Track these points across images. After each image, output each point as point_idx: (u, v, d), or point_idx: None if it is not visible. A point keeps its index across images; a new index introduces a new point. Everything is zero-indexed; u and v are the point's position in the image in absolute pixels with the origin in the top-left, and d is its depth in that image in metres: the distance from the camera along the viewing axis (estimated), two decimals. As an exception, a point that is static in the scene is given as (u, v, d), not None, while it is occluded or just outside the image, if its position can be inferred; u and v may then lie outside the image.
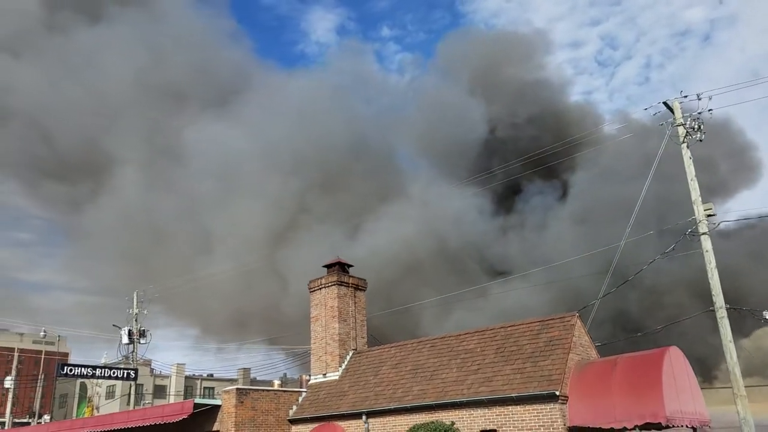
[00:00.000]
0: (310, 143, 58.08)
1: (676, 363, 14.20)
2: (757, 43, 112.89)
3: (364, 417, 17.69)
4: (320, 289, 21.59)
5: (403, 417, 16.66)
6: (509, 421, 14.52)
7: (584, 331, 16.20)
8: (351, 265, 22.34)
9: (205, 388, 58.53)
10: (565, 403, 14.01)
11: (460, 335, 18.07)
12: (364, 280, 22.37)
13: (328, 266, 22.10)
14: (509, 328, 16.67)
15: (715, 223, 17.41)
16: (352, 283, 21.75)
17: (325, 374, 20.73)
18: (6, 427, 49.43)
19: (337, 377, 20.28)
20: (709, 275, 16.69)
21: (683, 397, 13.92)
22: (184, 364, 56.65)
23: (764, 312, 17.12)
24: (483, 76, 70.05)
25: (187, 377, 57.61)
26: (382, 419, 17.26)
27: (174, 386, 56.67)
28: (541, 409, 14.08)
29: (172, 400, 52.26)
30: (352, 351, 20.99)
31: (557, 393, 13.77)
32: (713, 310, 16.49)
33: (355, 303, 21.63)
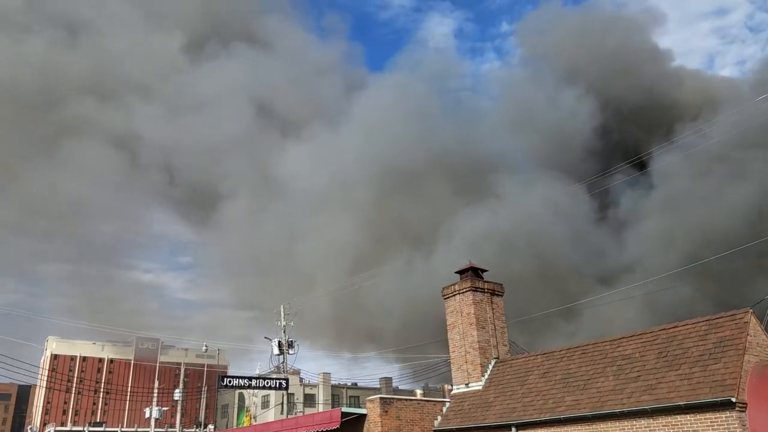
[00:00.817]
0: (416, 154, 58.55)
1: None
2: None
3: (513, 429, 17.04)
4: (454, 295, 21.27)
5: (556, 429, 15.81)
6: (678, 432, 13.17)
7: (761, 328, 14.28)
8: (485, 270, 21.75)
9: (350, 396, 60.63)
10: (744, 411, 12.43)
11: (614, 340, 16.77)
12: (501, 284, 21.62)
13: (461, 272, 21.72)
14: (671, 330, 15.15)
15: None
16: (488, 289, 21.14)
17: (467, 384, 20.35)
18: None
19: (480, 387, 19.81)
20: None
21: None
22: (329, 374, 59.16)
23: None
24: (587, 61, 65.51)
25: (333, 386, 60.09)
26: (531, 431, 16.53)
27: (322, 395, 59.41)
28: (715, 418, 12.61)
29: (320, 408, 54.73)
30: (494, 359, 20.40)
31: (734, 400, 12.27)
32: None
33: (493, 309, 21.01)
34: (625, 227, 55.18)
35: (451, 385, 21.33)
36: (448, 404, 20.66)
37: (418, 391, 24.32)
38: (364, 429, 19.75)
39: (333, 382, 59.13)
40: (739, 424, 12.22)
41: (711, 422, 12.67)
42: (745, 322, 13.68)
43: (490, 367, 20.20)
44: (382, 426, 19.00)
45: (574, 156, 59.75)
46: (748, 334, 13.43)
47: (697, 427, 12.90)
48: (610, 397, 14.90)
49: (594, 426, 14.76)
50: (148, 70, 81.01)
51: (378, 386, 56.33)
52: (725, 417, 12.44)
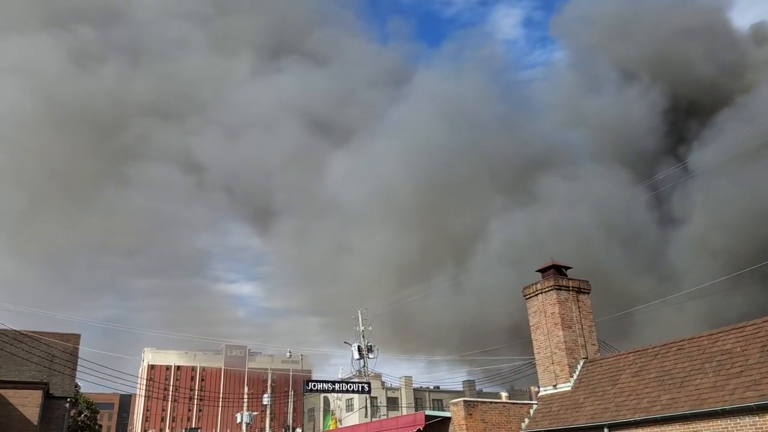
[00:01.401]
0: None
1: None
2: None
3: (606, 430, 16.61)
4: (536, 295, 20.95)
5: (651, 429, 15.28)
6: (790, 430, 12.40)
7: None
8: (569, 267, 21.26)
9: (433, 400, 60.63)
10: None
11: (712, 335, 16.02)
12: (587, 281, 21.05)
13: (543, 270, 21.36)
14: (773, 323, 14.31)
15: None
16: (573, 286, 20.66)
17: (555, 385, 19.98)
18: None
19: (569, 388, 19.41)
20: None
21: None
22: (410, 377, 59.47)
23: None
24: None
25: (415, 389, 60.35)
26: None
27: (405, 398, 59.78)
28: (831, 415, 11.77)
29: (404, 411, 55.13)
30: (583, 359, 19.91)
31: None
32: None
33: (579, 307, 20.50)
34: (676, 226, 52.02)
35: (538, 387, 21.02)
36: (535, 406, 20.37)
37: (503, 394, 24.04)
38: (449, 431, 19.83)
39: (415, 386, 59.38)
40: None
41: (826, 420, 11.85)
42: None
43: (579, 367, 19.74)
44: (467, 429, 19.01)
45: (633, 154, 56.63)
46: None
47: (810, 425, 12.11)
48: (711, 394, 14.25)
49: (693, 425, 14.16)
50: (207, 91, 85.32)
51: (461, 389, 55.96)
52: (842, 414, 11.61)
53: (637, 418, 15.72)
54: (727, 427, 13.56)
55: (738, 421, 13.41)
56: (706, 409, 14.01)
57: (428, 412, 21.26)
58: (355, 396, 54.68)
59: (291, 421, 68.09)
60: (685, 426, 14.35)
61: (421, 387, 61.08)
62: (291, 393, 64.87)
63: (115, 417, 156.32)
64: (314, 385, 37.87)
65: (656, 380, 16.27)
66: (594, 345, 20.39)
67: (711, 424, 13.85)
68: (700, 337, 16.28)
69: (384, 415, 55.64)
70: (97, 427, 58.69)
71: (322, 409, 69.36)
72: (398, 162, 63.94)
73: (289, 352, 60.40)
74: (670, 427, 14.76)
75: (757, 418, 13.04)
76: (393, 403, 60.35)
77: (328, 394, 62.03)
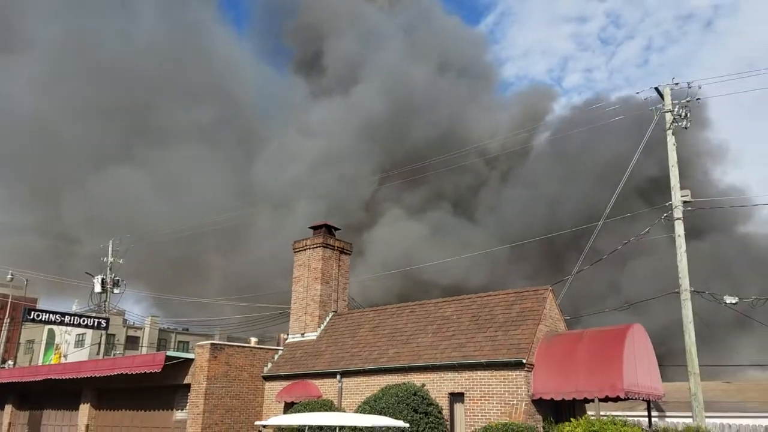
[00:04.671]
0: None
1: (638, 339, 14.94)
2: (756, 33, 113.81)
3: (338, 376, 18.24)
4: (304, 250, 21.94)
5: (376, 378, 17.22)
6: (476, 385, 15.20)
7: (555, 304, 16.95)
8: (338, 229, 22.69)
9: (179, 341, 58.90)
10: (531, 371, 14.74)
11: (438, 302, 18.70)
12: (351, 244, 22.81)
13: (315, 228, 22.43)
14: (485, 298, 17.36)
15: (691, 209, 18.11)
16: (338, 246, 22.16)
17: (303, 334, 21.29)
18: None
19: (315, 337, 20.85)
20: (678, 259, 17.45)
21: (641, 372, 14.72)
22: (158, 317, 56.81)
23: (725, 297, 18.04)
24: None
25: (161, 330, 57.81)
26: (355, 379, 17.82)
27: (147, 338, 56.96)
28: (507, 375, 14.76)
29: (144, 351, 52.63)
30: (332, 313, 21.55)
31: (524, 361, 14.48)
32: (678, 292, 17.38)
33: (339, 266, 22.10)
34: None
35: (287, 335, 22.12)
36: (280, 352, 21.43)
37: (253, 339, 24.73)
38: (190, 373, 19.71)
39: (162, 326, 56.93)
40: (524, 382, 14.53)
41: (504, 378, 14.87)
42: (543, 297, 16.19)
43: (327, 319, 21.31)
44: (208, 371, 19.08)
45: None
46: (544, 308, 15.94)
47: (491, 382, 15.04)
48: (427, 351, 16.72)
49: (409, 376, 16.48)
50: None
51: (212, 333, 55.47)
52: (515, 375, 14.67)
53: (365, 367, 17.59)
54: (433, 380, 16.05)
55: (442, 375, 15.94)
56: (421, 363, 16.37)
57: (170, 353, 20.77)
58: (89, 332, 50.38)
59: (1, 351, 60.03)
60: (403, 377, 16.59)
61: (168, 328, 58.86)
62: (7, 321, 57.12)
63: None
64: (38, 315, 33.96)
65: (388, 336, 18.47)
66: (345, 301, 22.23)
67: (423, 375, 16.24)
68: (428, 303, 18.93)
69: (120, 353, 52.43)
70: None
71: (44, 342, 62.35)
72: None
73: (11, 274, 52.68)
74: (391, 377, 16.89)
75: (456, 374, 15.66)
76: (134, 342, 57.07)
77: (54, 327, 56.04)
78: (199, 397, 19.01)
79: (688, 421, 16.61)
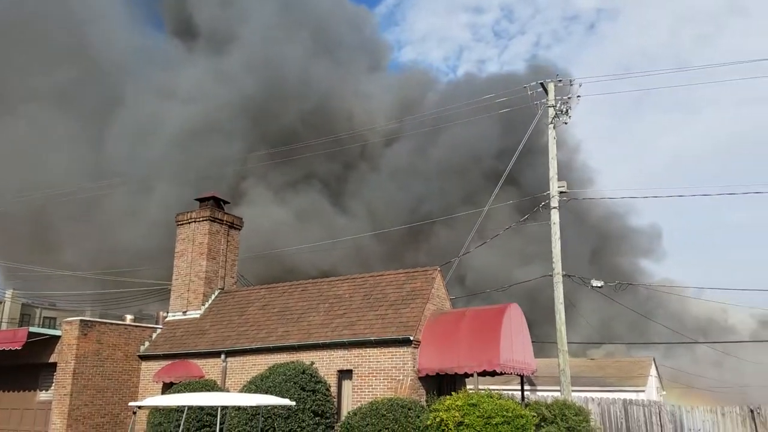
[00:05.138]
0: None
1: (514, 318, 15.94)
2: (634, 38, 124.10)
3: (222, 356, 17.69)
4: (189, 223, 20.86)
5: (264, 357, 16.90)
6: (365, 362, 15.46)
7: (443, 284, 17.57)
8: (227, 202, 21.81)
9: (45, 317, 54.11)
10: (417, 348, 15.23)
11: (332, 281, 18.65)
12: (240, 218, 21.98)
13: (202, 200, 21.39)
14: (378, 277, 17.58)
15: (566, 199, 19.49)
16: (227, 221, 21.29)
17: (185, 312, 20.33)
18: None
19: (198, 315, 20.00)
20: (553, 245, 18.78)
21: (516, 348, 15.74)
22: (19, 291, 51.58)
23: (592, 280, 19.69)
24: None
25: (25, 305, 52.69)
26: (241, 358, 17.37)
27: (8, 313, 51.70)
28: (395, 352, 15.15)
29: (3, 327, 47.79)
30: (219, 290, 20.76)
31: (411, 338, 14.92)
32: (551, 275, 18.70)
33: (228, 241, 21.26)
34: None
35: (167, 313, 21.02)
36: (159, 330, 20.35)
37: (128, 317, 23.21)
38: (56, 351, 18.27)
39: (25, 301, 51.83)
40: (411, 358, 14.98)
41: (391, 355, 15.25)
42: (432, 278, 16.70)
43: (213, 296, 20.51)
44: (77, 349, 17.83)
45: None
46: (432, 287, 16.45)
47: (380, 358, 15.38)
48: (317, 330, 16.66)
49: (299, 355, 16.33)
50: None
51: (84, 308, 51.34)
52: (403, 352, 15.08)
53: (252, 346, 17.20)
54: (323, 358, 16.08)
55: (333, 353, 16.00)
56: (311, 341, 16.29)
57: (33, 329, 19.09)
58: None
59: None
60: (292, 355, 16.40)
61: (33, 303, 53.75)
62: None
63: None
64: None
65: (278, 314, 18.14)
66: (233, 278, 21.48)
67: (313, 354, 16.16)
68: (322, 282, 18.83)
69: (-27, 331, 47.04)
70: None
71: None
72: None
73: None
74: (280, 356, 16.64)
75: (346, 352, 15.81)
76: (-11, 318, 51.46)
77: None
78: (66, 377, 17.70)
79: (557, 394, 17.99)
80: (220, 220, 20.94)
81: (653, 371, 33.31)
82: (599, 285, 20.11)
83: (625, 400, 18.15)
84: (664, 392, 34.71)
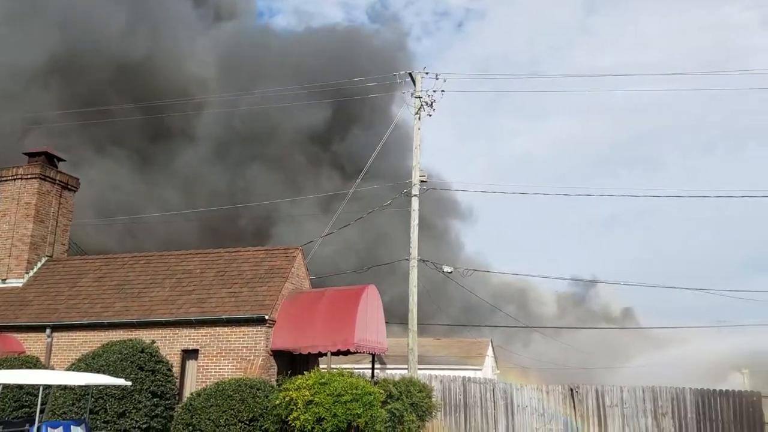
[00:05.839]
0: None
1: (371, 299, 16.14)
2: (496, 42, 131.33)
3: (48, 330, 16.00)
4: (14, 180, 18.27)
5: (98, 333, 15.59)
6: (213, 341, 14.82)
7: (303, 263, 17.22)
8: (62, 159, 19.31)
9: None
10: (272, 327, 14.85)
11: (181, 255, 17.47)
12: (78, 179, 19.60)
13: (31, 155, 18.73)
14: (234, 253, 16.81)
15: (425, 189, 20.15)
16: (61, 180, 18.86)
17: (4, 279, 17.87)
18: None
19: (20, 284, 17.73)
20: (412, 231, 19.36)
21: (370, 329, 15.99)
22: None
23: (444, 266, 20.64)
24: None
25: None
26: (70, 334, 15.90)
27: None
28: (247, 331, 14.69)
29: None
30: (46, 258, 18.44)
31: (266, 317, 14.54)
32: (408, 260, 19.28)
33: (60, 204, 18.85)
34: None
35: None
36: (-31, 300, 17.62)
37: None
38: None
39: None
40: (264, 337, 14.56)
41: (243, 335, 14.70)
42: (293, 256, 16.29)
43: (39, 264, 18.22)
44: None
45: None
46: (292, 266, 16.04)
47: (230, 338, 14.78)
48: (161, 306, 15.53)
49: (138, 332, 15.05)
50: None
51: None
52: (256, 331, 14.62)
53: (84, 321, 15.72)
54: (166, 336, 15.04)
55: (177, 332, 15.07)
56: (153, 318, 15.19)
57: None
58: None
59: None
60: (130, 333, 15.10)
61: None
62: None
63: None
64: None
65: (116, 288, 16.61)
66: (64, 245, 19.22)
67: (154, 332, 15.02)
68: (169, 255, 17.53)
69: None
70: None
71: None
72: None
73: None
74: (116, 333, 15.27)
75: (192, 330, 14.97)
76: None
77: None
78: None
79: (404, 372, 18.65)
80: (52, 179, 18.50)
81: (490, 351, 36.16)
82: (449, 270, 21.19)
83: (464, 378, 19.29)
84: (498, 371, 37.85)
